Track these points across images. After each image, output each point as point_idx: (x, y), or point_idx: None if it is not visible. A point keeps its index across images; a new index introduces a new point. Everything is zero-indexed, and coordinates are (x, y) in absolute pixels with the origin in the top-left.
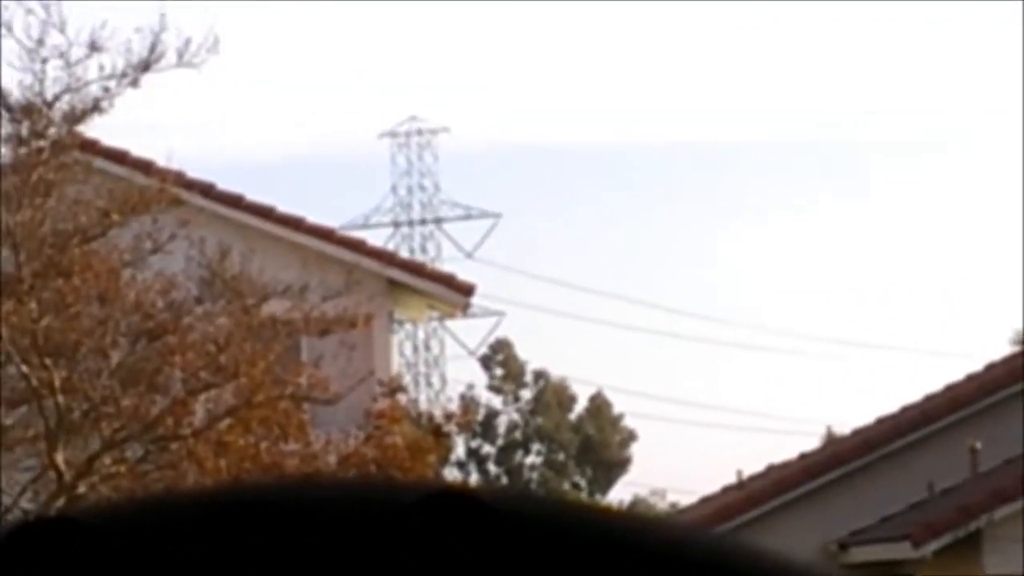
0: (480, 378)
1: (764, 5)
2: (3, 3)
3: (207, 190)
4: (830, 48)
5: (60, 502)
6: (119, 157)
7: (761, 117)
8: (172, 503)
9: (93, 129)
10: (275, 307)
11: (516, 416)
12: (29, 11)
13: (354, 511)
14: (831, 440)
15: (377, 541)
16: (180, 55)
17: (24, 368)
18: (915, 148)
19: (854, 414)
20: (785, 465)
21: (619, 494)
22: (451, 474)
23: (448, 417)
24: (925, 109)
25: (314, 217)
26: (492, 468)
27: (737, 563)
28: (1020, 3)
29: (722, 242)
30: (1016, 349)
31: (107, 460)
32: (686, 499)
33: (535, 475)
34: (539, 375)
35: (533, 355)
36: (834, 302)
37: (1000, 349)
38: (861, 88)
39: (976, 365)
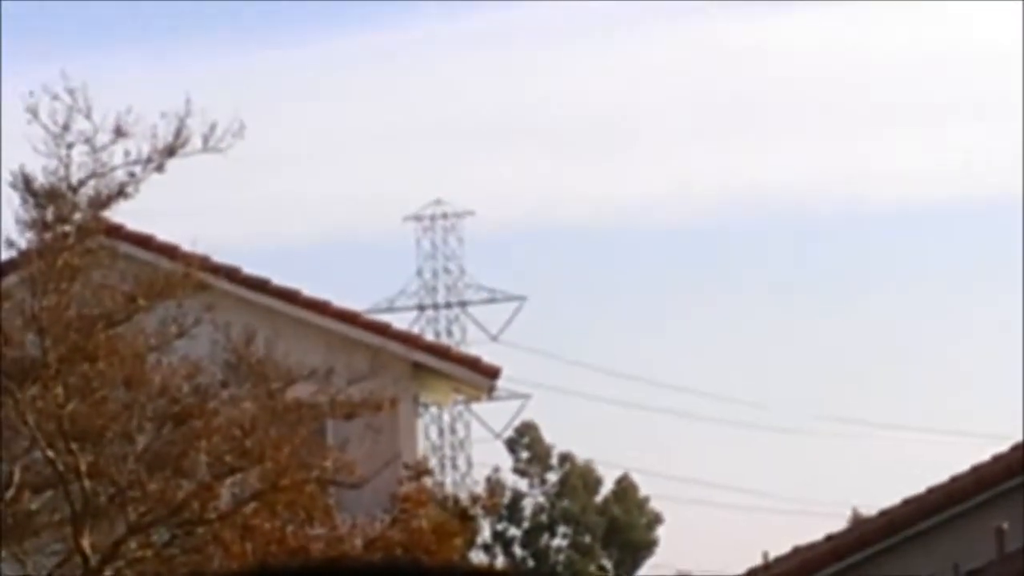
0: (506, 461)
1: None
2: (29, 89)
3: (232, 274)
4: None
5: None
6: (144, 242)
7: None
8: None
9: (118, 214)
10: (300, 391)
11: (542, 499)
12: (55, 97)
13: None
14: (857, 521)
15: None
16: (205, 140)
17: (50, 453)
18: (935, 211)
19: (880, 495)
20: (811, 547)
21: None
22: (477, 557)
23: (474, 500)
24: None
25: (339, 301)
26: (518, 551)
27: None
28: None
29: (748, 324)
30: None
31: (133, 544)
32: None
33: (561, 558)
34: (565, 458)
35: (559, 438)
36: (861, 383)
37: None
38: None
39: (1002, 446)
